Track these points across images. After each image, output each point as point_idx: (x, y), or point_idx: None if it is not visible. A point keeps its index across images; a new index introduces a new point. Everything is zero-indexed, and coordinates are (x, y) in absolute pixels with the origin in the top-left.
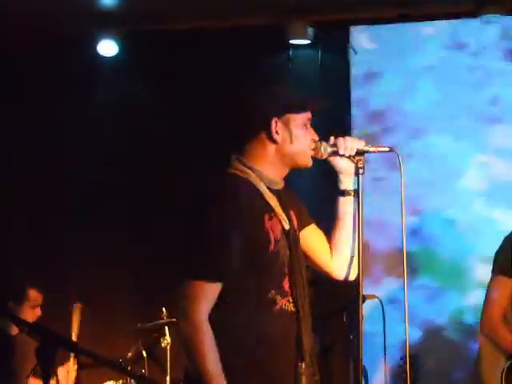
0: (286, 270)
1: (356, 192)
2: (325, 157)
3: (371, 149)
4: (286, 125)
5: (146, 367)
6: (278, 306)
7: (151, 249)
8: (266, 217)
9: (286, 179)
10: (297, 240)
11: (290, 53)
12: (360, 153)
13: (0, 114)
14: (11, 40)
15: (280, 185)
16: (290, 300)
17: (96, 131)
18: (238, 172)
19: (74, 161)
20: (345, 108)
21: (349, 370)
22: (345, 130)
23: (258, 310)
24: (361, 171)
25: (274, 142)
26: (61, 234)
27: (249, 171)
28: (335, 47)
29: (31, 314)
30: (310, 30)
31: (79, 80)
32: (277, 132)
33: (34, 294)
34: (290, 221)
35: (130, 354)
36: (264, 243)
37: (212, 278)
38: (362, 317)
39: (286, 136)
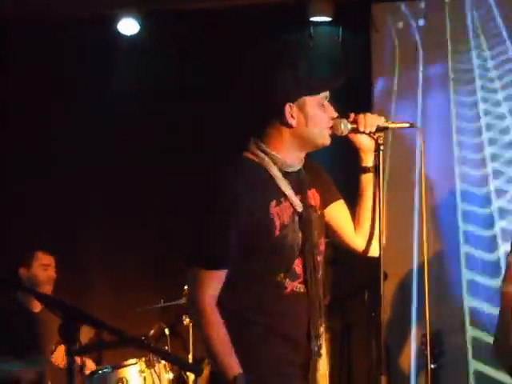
0: (297, 253)
1: (377, 168)
2: (345, 134)
3: (391, 125)
4: (301, 108)
5: (169, 345)
6: (288, 290)
7: (175, 227)
8: (273, 202)
9: (313, 155)
10: (311, 221)
11: (311, 30)
12: (380, 129)
13: (22, 92)
14: (31, 18)
15: (297, 167)
16: (302, 282)
17: (114, 111)
18: (251, 156)
19: (91, 139)
20: (366, 85)
21: (371, 348)
22: (365, 106)
23: (267, 293)
24: (381, 147)
25: (290, 126)
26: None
27: (262, 155)
28: (356, 24)
29: (44, 275)
30: (331, 7)
31: (100, 59)
32: (292, 116)
33: (42, 256)
34: (305, 202)
35: (152, 332)
36: (268, 229)
37: (213, 267)
38: (383, 294)
39: (301, 119)
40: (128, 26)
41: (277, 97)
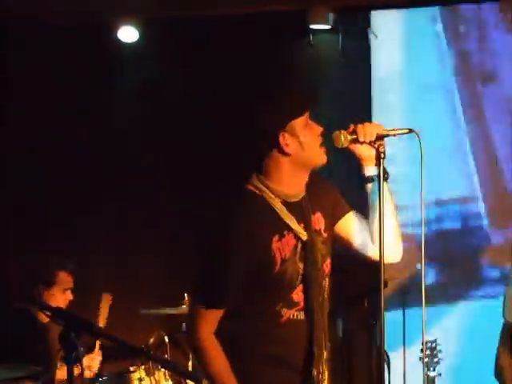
0: (297, 283)
1: (380, 177)
2: (345, 145)
3: (391, 132)
4: (293, 133)
5: (168, 353)
6: (284, 318)
7: (175, 237)
8: (276, 238)
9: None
10: (315, 248)
11: (311, 38)
12: (380, 137)
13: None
14: (31, 26)
15: (299, 196)
16: (300, 309)
17: (115, 119)
18: (254, 189)
19: (94, 147)
20: (365, 93)
21: (371, 355)
22: (365, 115)
23: (264, 321)
24: (382, 156)
25: (287, 154)
26: (89, 219)
27: (265, 189)
28: (356, 32)
29: (62, 297)
30: (331, 15)
31: (99, 66)
32: (287, 144)
33: (64, 277)
34: (309, 229)
35: (151, 340)
36: (269, 265)
37: (213, 306)
38: (384, 302)
39: (296, 145)
40: (128, 34)
41: (268, 126)
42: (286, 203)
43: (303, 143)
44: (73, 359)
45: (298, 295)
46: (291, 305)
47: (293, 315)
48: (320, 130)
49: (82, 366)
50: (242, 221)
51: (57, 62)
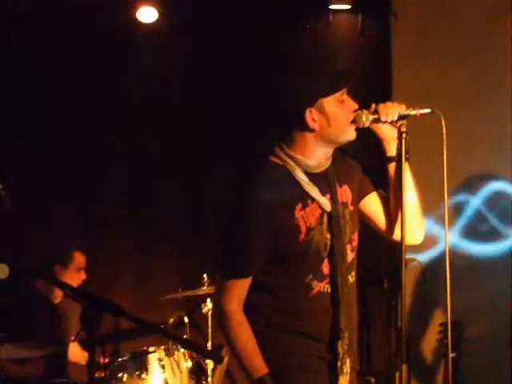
0: (325, 254)
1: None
2: (367, 125)
3: (413, 112)
4: (321, 110)
5: (188, 333)
6: (315, 291)
7: (195, 216)
8: (298, 207)
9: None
10: (341, 219)
11: (331, 18)
12: (402, 117)
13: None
14: (49, 6)
15: (323, 167)
16: (329, 282)
17: (133, 100)
18: (276, 159)
19: (114, 130)
20: (386, 73)
21: (390, 336)
22: (386, 95)
23: (294, 294)
24: (404, 135)
25: (313, 130)
26: (106, 199)
27: (287, 159)
28: (376, 12)
29: (77, 276)
30: None
31: (118, 46)
32: (313, 120)
33: (79, 257)
34: (336, 200)
35: (171, 320)
36: (293, 234)
37: (236, 277)
38: (405, 283)
39: (323, 121)
40: (147, 14)
41: (295, 104)
42: (308, 174)
43: (331, 120)
44: (94, 339)
45: (326, 267)
46: (321, 277)
47: (322, 288)
48: (354, 106)
49: (103, 346)
50: (263, 189)
51: (75, 43)
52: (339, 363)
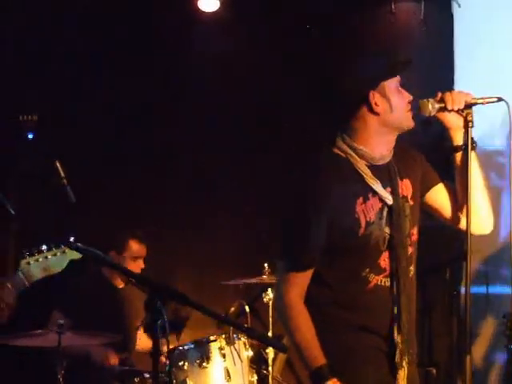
0: (383, 248)
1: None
2: (433, 114)
3: (479, 100)
4: (383, 94)
5: (249, 322)
6: (372, 284)
7: (255, 206)
8: (360, 200)
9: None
10: (402, 213)
11: (393, 6)
12: (468, 105)
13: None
14: None
15: (385, 159)
16: (387, 275)
17: (193, 89)
18: (339, 151)
19: (177, 119)
20: (449, 62)
21: (452, 326)
22: (449, 84)
23: (351, 287)
24: (470, 124)
25: (376, 114)
26: (170, 187)
27: (349, 150)
28: (438, 0)
29: (133, 265)
30: None
31: (180, 35)
32: (376, 104)
33: (135, 246)
34: (396, 194)
35: (232, 309)
36: (353, 227)
37: (298, 269)
38: (470, 273)
39: (385, 105)
40: (208, 3)
41: (359, 85)
42: (371, 166)
43: (392, 105)
44: (158, 327)
45: (384, 261)
46: (379, 271)
47: (380, 281)
48: (409, 97)
49: (167, 334)
50: (325, 182)
51: (138, 33)
52: (398, 356)
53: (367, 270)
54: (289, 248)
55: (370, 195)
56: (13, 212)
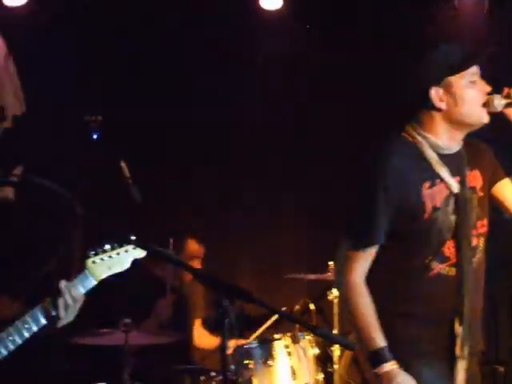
0: (448, 236)
1: None
2: (499, 110)
3: None
4: (448, 89)
5: (314, 320)
6: (434, 272)
7: (327, 202)
8: (426, 185)
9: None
10: (468, 203)
11: (456, 2)
12: None
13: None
14: None
15: (454, 149)
16: (452, 264)
17: (256, 87)
18: (407, 136)
19: (236, 114)
20: None
21: None
22: None
23: (412, 273)
24: None
25: (439, 109)
26: (226, 187)
27: (418, 137)
28: None
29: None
30: None
31: (242, 34)
32: (440, 99)
33: (193, 246)
34: (464, 184)
35: (297, 307)
36: (418, 210)
37: (361, 248)
38: None
39: (450, 101)
40: (271, 1)
41: (421, 83)
42: (439, 154)
43: (458, 100)
44: (226, 326)
45: (449, 249)
46: (442, 259)
47: (442, 270)
48: (487, 88)
49: (234, 333)
50: (393, 164)
51: (201, 33)
52: (458, 347)
53: (430, 257)
54: (354, 225)
55: (437, 181)
56: (80, 212)
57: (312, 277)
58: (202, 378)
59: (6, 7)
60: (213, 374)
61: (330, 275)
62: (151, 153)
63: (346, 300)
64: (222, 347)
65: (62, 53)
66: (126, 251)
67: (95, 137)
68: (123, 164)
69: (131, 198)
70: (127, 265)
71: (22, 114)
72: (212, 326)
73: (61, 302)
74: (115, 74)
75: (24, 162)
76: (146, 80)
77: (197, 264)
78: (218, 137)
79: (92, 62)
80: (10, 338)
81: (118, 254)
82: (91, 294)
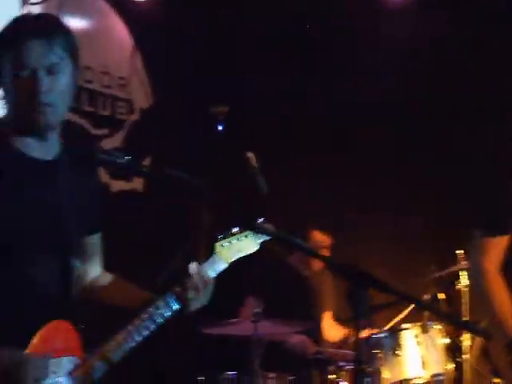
0: None
1: None
2: None
3: None
4: None
5: (443, 310)
6: None
7: (445, 196)
8: None
9: None
10: None
11: None
12: None
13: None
14: None
15: None
16: None
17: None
18: None
19: (355, 110)
20: None
21: None
22: None
23: None
24: None
25: None
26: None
27: None
28: None
29: None
30: None
31: (366, 23)
32: None
33: (317, 235)
34: None
35: (426, 297)
36: None
37: (493, 234)
38: None
39: None
40: None
41: None
42: None
43: None
44: (361, 316)
45: None
46: None
47: None
48: None
49: (369, 323)
50: None
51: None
52: None
53: None
54: (487, 213)
55: None
56: (210, 198)
57: (442, 273)
58: (331, 368)
59: (134, 1)
60: (341, 363)
61: (462, 264)
62: (277, 143)
63: (480, 289)
64: (357, 339)
65: (187, 44)
66: (255, 233)
67: (220, 128)
68: (251, 154)
69: (257, 188)
70: (256, 247)
71: (149, 106)
72: (343, 318)
73: (192, 284)
74: (240, 64)
75: (152, 154)
76: (275, 68)
77: (325, 252)
78: (347, 129)
79: (220, 52)
80: (144, 324)
81: (247, 236)
82: (222, 280)
